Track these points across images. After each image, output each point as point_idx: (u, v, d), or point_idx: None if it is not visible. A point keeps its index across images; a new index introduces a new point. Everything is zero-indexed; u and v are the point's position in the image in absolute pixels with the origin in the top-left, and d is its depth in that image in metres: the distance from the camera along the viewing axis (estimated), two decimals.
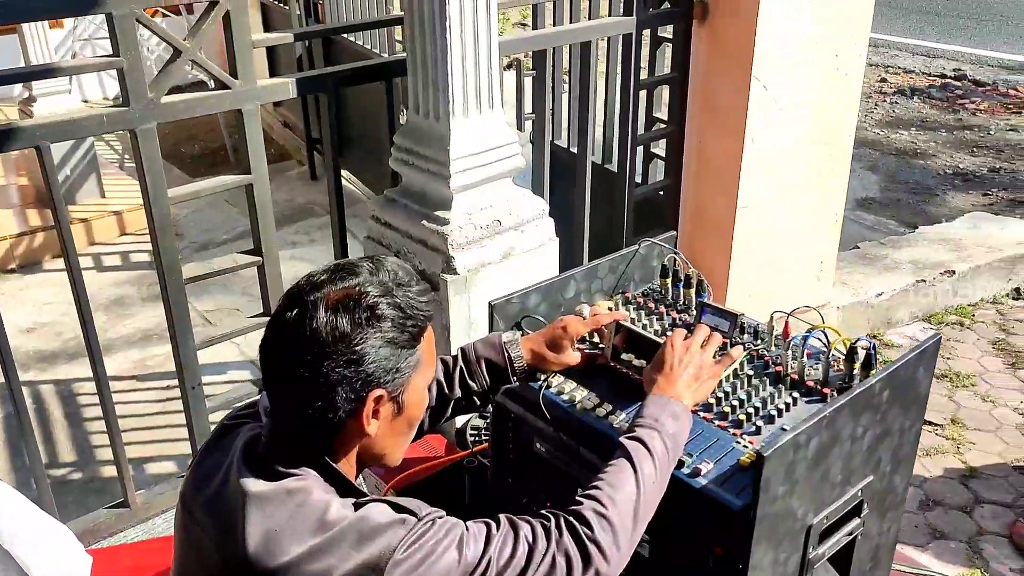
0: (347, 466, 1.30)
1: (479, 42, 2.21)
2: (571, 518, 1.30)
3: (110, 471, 3.01)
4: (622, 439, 1.43)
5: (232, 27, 2.06)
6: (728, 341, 1.71)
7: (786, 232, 3.32)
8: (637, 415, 1.48)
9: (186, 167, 6.43)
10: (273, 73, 6.37)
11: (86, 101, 7.49)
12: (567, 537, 1.28)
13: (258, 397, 1.41)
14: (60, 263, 3.41)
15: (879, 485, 1.73)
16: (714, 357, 1.60)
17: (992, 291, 4.06)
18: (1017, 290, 4.10)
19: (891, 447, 1.72)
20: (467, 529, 1.24)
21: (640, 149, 3.48)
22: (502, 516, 1.29)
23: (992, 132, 6.52)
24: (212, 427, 2.44)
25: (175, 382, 2.43)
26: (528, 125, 4.32)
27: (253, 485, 1.21)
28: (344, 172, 5.71)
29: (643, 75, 3.29)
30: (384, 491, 2.21)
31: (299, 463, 1.24)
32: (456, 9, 2.14)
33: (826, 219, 3.42)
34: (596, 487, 1.35)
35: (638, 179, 3.53)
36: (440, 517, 1.24)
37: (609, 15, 3.14)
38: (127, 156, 6.44)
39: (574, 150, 3.63)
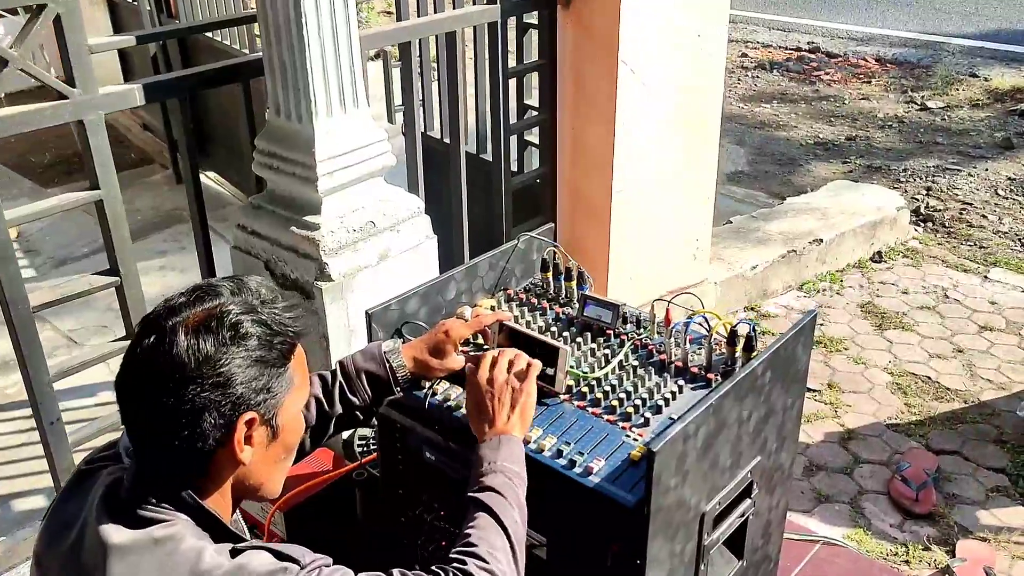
0: (221, 503, 1.21)
1: (338, 38, 2.12)
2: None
3: None
4: (473, 495, 1.37)
5: (65, 31, 1.90)
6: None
7: (661, 213, 3.36)
8: (475, 465, 1.42)
9: (38, 177, 6.02)
10: (127, 75, 6.04)
11: None
12: None
13: (118, 437, 1.30)
14: None
15: (767, 463, 1.76)
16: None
17: (856, 256, 4.24)
18: (879, 253, 4.30)
19: (776, 425, 1.75)
20: None
21: (515, 138, 3.46)
22: (395, 571, 1.23)
23: (846, 102, 6.83)
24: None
25: None
26: (399, 117, 4.23)
27: (115, 535, 1.12)
28: (210, 173, 5.48)
29: (513, 62, 3.26)
30: (271, 513, 2.11)
31: (167, 506, 1.15)
32: (312, 4, 2.04)
33: (699, 198, 3.48)
34: (471, 543, 1.31)
35: (514, 168, 3.51)
36: (327, 565, 1.17)
37: (474, 3, 3.08)
38: None
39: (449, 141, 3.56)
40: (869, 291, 3.99)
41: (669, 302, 1.77)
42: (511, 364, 1.55)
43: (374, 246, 2.28)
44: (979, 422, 3.10)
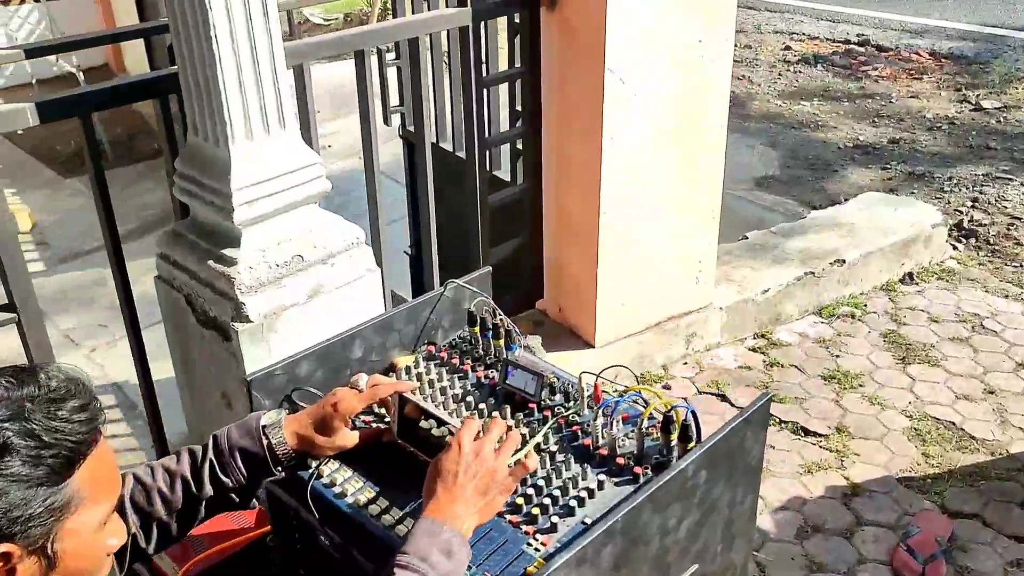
0: None
1: (257, 51, 1.89)
2: None
3: None
4: None
5: None
6: (525, 437, 1.40)
7: (657, 234, 3.07)
8: (403, 546, 1.20)
9: (58, 167, 5.99)
10: (153, 64, 5.94)
11: None
12: None
13: None
14: None
15: (711, 568, 1.49)
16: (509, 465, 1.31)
17: (884, 277, 3.89)
18: (910, 275, 3.94)
19: (721, 524, 1.48)
20: None
21: (507, 147, 3.20)
22: None
23: (893, 100, 6.39)
24: None
25: None
26: (396, 119, 3.99)
27: None
28: None
29: (504, 66, 3.01)
30: None
31: None
32: (222, 12, 1.81)
33: (701, 216, 3.17)
34: None
35: (508, 179, 3.26)
36: None
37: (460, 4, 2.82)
38: None
39: (453, 150, 3.34)
40: (895, 318, 3.63)
41: (598, 376, 1.51)
42: (501, 445, 1.30)
43: (302, 282, 2.05)
44: (1005, 479, 2.75)
